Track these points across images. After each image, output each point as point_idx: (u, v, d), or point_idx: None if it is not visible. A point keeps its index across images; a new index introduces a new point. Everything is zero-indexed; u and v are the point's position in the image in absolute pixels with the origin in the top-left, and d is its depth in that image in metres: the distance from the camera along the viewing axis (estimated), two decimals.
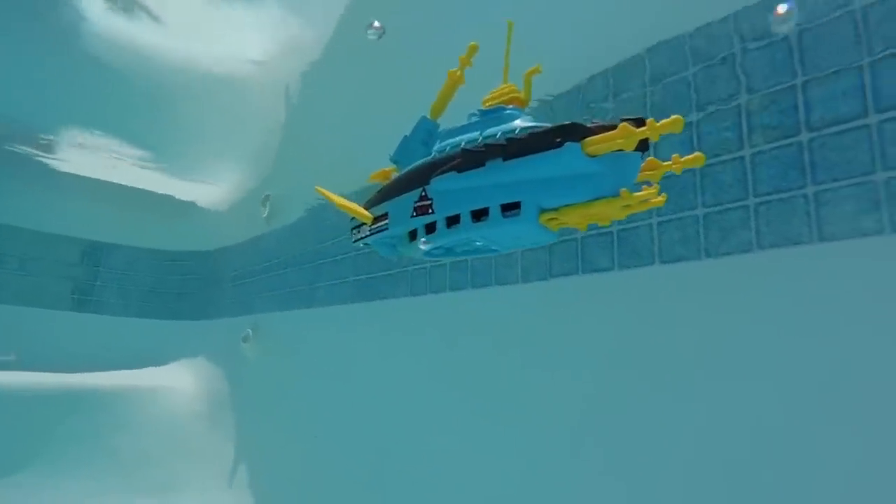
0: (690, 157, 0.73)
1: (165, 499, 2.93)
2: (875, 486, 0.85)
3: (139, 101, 3.68)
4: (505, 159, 0.77)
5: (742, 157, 1.09)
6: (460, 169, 0.82)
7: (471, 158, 0.80)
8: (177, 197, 4.20)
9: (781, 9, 1.03)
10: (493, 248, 0.94)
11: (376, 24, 2.04)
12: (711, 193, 1.13)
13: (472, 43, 1.01)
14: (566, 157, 0.71)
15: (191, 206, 4.22)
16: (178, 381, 3.53)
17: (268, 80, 3.27)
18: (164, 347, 3.85)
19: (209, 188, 4.00)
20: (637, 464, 1.17)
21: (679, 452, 1.09)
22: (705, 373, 1.08)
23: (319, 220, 2.66)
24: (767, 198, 1.04)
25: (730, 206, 1.09)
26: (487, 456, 1.54)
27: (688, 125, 1.17)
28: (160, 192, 4.15)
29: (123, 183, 4.04)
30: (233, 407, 3.09)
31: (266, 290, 3.08)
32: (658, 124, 0.66)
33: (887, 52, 0.91)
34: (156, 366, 3.72)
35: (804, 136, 1.00)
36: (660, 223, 1.21)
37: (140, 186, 4.10)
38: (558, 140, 0.72)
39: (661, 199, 0.78)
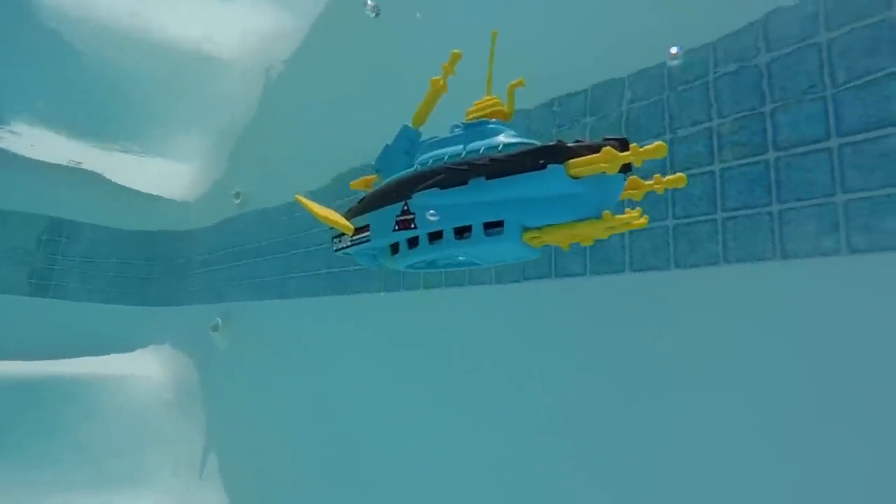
0: (672, 177, 0.74)
1: (135, 490, 2.91)
2: None
3: (101, 77, 3.52)
4: (488, 178, 0.77)
5: (712, 172, 1.11)
6: (443, 186, 0.82)
7: (454, 176, 0.81)
8: (142, 178, 4.06)
9: (673, 50, 1.09)
10: (476, 262, 0.94)
11: (370, 1, 2.02)
12: (682, 206, 1.15)
13: (454, 51, 1.00)
14: (549, 179, 0.72)
15: (156, 188, 4.09)
16: (145, 369, 3.46)
17: (244, 63, 3.17)
18: (129, 334, 3.77)
19: (176, 170, 3.87)
20: (604, 465, 1.21)
21: (644, 455, 1.14)
22: (671, 378, 1.13)
23: (292, 210, 2.62)
24: (734, 213, 1.07)
25: (699, 218, 1.12)
26: (456, 451, 1.58)
27: (660, 139, 1.19)
28: (124, 172, 4.01)
29: (85, 163, 3.89)
30: (202, 396, 3.06)
31: (236, 279, 3.03)
32: (641, 149, 0.68)
33: (850, 84, 0.95)
34: (121, 353, 3.63)
35: (771, 155, 1.03)
36: (631, 232, 1.24)
37: (102, 165, 3.95)
38: (542, 162, 0.72)
39: (643, 220, 0.79)
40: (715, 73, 1.13)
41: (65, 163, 3.89)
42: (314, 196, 2.42)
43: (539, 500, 1.31)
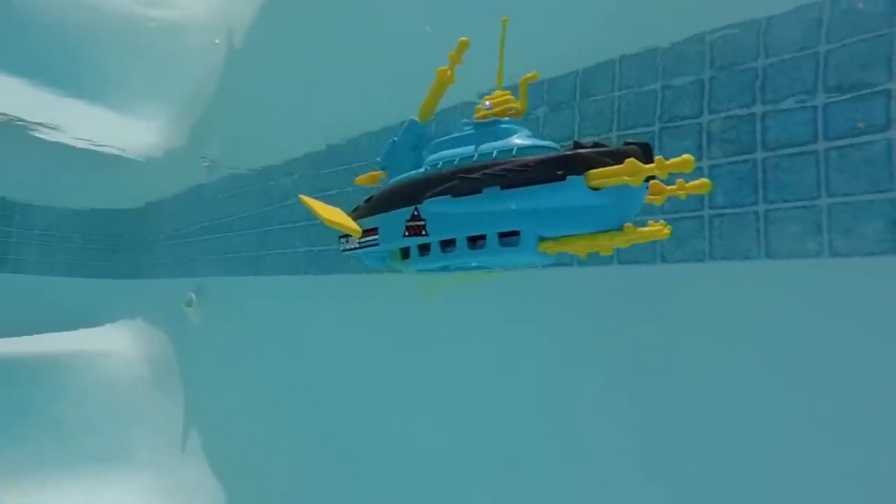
0: (696, 182, 0.71)
1: (112, 467, 2.90)
2: None
3: (48, 33, 3.29)
4: (503, 188, 0.74)
5: (700, 168, 1.13)
6: (456, 194, 0.79)
7: (467, 185, 0.77)
8: (100, 139, 3.84)
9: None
10: (488, 266, 0.92)
11: None
12: (669, 202, 1.17)
13: (462, 38, 0.96)
14: (569, 191, 0.69)
15: (117, 150, 3.87)
16: (116, 345, 3.39)
17: (208, 21, 2.99)
18: (96, 308, 3.66)
19: (137, 131, 3.67)
20: (591, 457, 1.27)
21: (629, 445, 1.19)
22: (655, 371, 1.17)
23: (265, 180, 2.54)
24: (722, 211, 1.09)
25: (686, 215, 1.14)
26: (439, 431, 1.62)
27: (650, 135, 1.20)
28: (81, 137, 3.79)
29: (37, 130, 3.65)
30: (179, 371, 3.03)
31: (208, 253, 2.96)
32: (668, 163, 0.65)
33: (841, 94, 0.96)
34: (90, 328, 3.54)
35: (759, 155, 1.05)
36: None
37: (56, 132, 3.72)
38: (560, 172, 0.69)
39: (667, 231, 0.77)
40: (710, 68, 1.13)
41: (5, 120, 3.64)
42: (285, 168, 2.37)
43: (523, 483, 1.37)
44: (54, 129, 3.65)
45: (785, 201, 1.01)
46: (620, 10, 1.26)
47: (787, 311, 1.00)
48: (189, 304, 2.90)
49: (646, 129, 1.20)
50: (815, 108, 0.99)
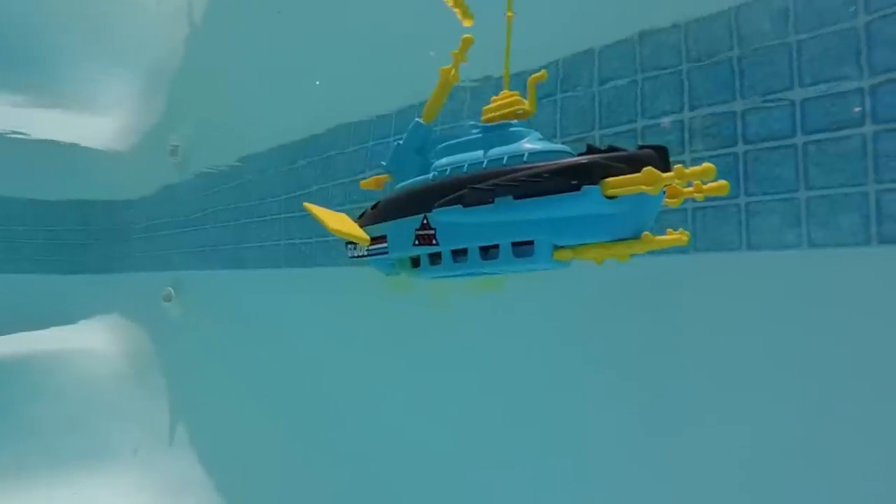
0: (714, 184, 0.69)
1: (95, 465, 2.87)
2: None
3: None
4: (516, 198, 0.72)
5: (683, 162, 1.15)
6: (466, 203, 0.77)
7: (478, 195, 0.75)
8: (59, 132, 3.68)
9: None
10: (499, 272, 0.91)
11: None
12: None
13: (465, 36, 0.93)
14: (584, 201, 0.67)
15: (77, 142, 3.72)
16: (93, 341, 3.33)
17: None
18: (69, 305, 3.57)
19: (98, 122, 3.53)
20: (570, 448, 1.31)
21: (615, 433, 1.24)
22: (639, 358, 1.21)
23: (240, 174, 2.49)
24: (703, 203, 1.12)
25: (670, 208, 1.16)
26: (425, 425, 1.65)
27: (633, 132, 1.21)
28: (37, 127, 3.63)
29: None
30: (160, 366, 2.99)
31: (185, 246, 2.90)
32: (688, 171, 0.62)
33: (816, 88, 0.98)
34: (64, 325, 3.46)
35: (740, 148, 1.08)
36: None
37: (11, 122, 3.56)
38: (575, 182, 0.67)
39: (685, 238, 0.74)
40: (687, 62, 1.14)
41: None
42: (257, 161, 2.32)
43: (512, 475, 1.41)
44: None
45: (765, 194, 1.04)
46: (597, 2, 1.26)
47: (768, 300, 1.04)
48: (167, 298, 2.85)
49: (629, 127, 1.21)
50: (792, 103, 1.01)
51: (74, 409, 3.05)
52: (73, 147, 3.61)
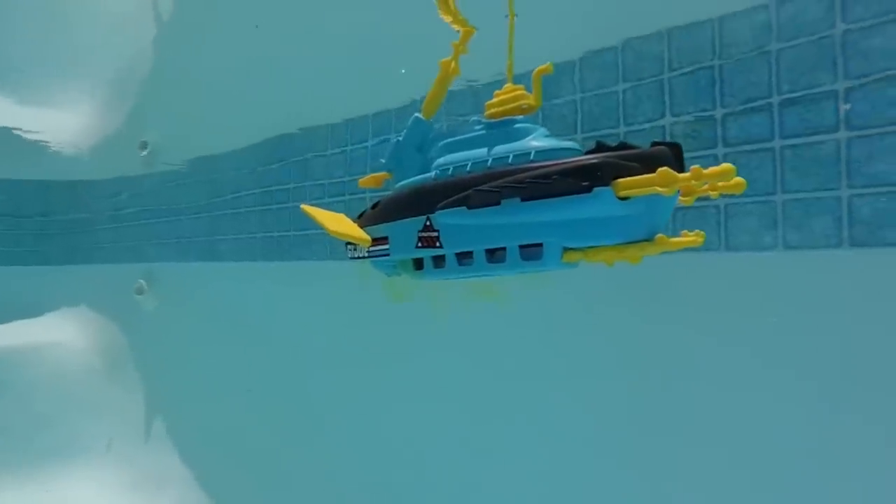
0: (731, 182, 0.65)
1: (69, 462, 2.81)
2: None
3: None
4: (523, 200, 0.69)
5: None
6: (471, 205, 0.73)
7: (483, 197, 0.72)
8: (20, 127, 3.50)
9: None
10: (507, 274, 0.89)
11: None
12: None
13: (466, 27, 0.91)
14: (595, 203, 0.64)
15: (40, 137, 3.55)
16: (61, 335, 3.23)
17: None
18: (33, 298, 3.44)
19: (61, 118, 3.38)
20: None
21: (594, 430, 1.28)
22: (618, 357, 1.24)
23: (213, 169, 2.43)
24: (683, 205, 1.14)
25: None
26: (409, 419, 1.66)
27: (616, 136, 1.22)
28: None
29: None
30: (134, 360, 2.93)
31: (157, 237, 2.82)
32: (705, 172, 0.59)
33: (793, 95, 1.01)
34: (29, 319, 3.34)
35: (720, 151, 1.10)
36: None
37: None
38: (586, 184, 0.64)
39: (700, 239, 0.73)
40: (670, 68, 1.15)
41: None
42: (235, 159, 2.26)
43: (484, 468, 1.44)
44: None
45: (743, 196, 1.07)
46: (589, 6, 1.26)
47: (744, 300, 1.08)
48: (140, 291, 2.78)
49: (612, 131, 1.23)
50: (771, 107, 1.04)
51: (44, 405, 2.97)
52: (35, 138, 3.44)
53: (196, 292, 2.59)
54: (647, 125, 1.18)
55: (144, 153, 2.83)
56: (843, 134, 0.97)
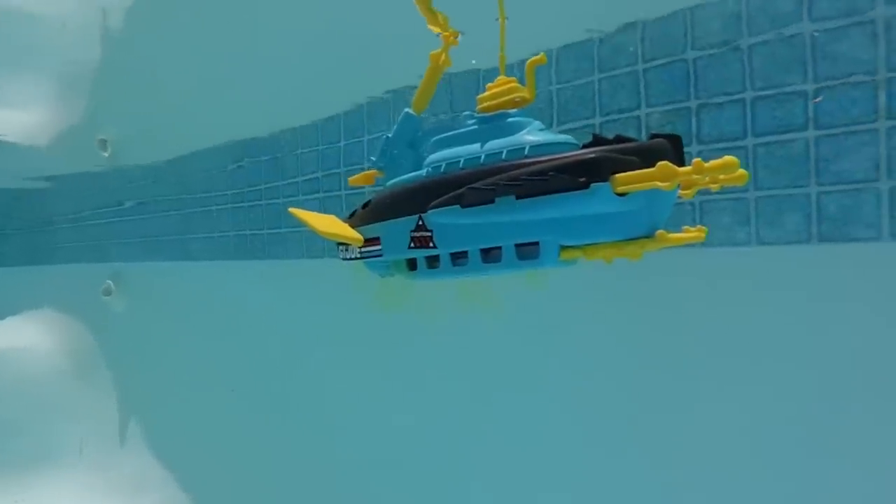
0: (734, 175, 0.62)
1: (41, 468, 2.74)
2: None
3: None
4: (518, 198, 0.66)
5: None
6: (465, 204, 0.71)
7: (477, 196, 0.69)
8: None
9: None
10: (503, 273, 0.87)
11: None
12: None
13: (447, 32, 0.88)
14: (593, 200, 0.62)
15: None
16: (26, 338, 3.12)
17: None
18: None
19: (15, 115, 3.22)
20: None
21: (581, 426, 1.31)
22: (603, 352, 1.27)
23: (181, 168, 2.35)
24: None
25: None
26: (392, 417, 1.67)
27: (591, 127, 1.23)
28: None
29: None
30: (105, 362, 2.85)
31: (123, 237, 2.73)
32: (707, 165, 0.57)
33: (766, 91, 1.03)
34: None
35: (694, 148, 1.12)
36: None
37: None
38: (583, 180, 0.61)
39: (702, 235, 0.72)
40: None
41: None
42: (199, 159, 2.19)
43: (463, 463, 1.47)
44: None
45: (717, 193, 1.10)
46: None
47: (720, 295, 1.11)
48: (107, 292, 2.70)
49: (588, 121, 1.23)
50: (743, 104, 1.06)
51: (12, 410, 2.88)
52: None
53: (168, 292, 2.53)
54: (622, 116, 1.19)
55: (106, 154, 2.72)
56: (812, 133, 1.00)
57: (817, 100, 0.99)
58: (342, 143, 1.72)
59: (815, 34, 0.97)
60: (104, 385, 2.80)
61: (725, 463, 1.12)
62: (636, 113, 1.19)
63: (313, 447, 1.89)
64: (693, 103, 1.11)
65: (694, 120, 1.11)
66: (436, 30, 0.89)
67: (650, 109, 1.17)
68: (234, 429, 2.19)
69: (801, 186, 1.01)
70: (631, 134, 1.17)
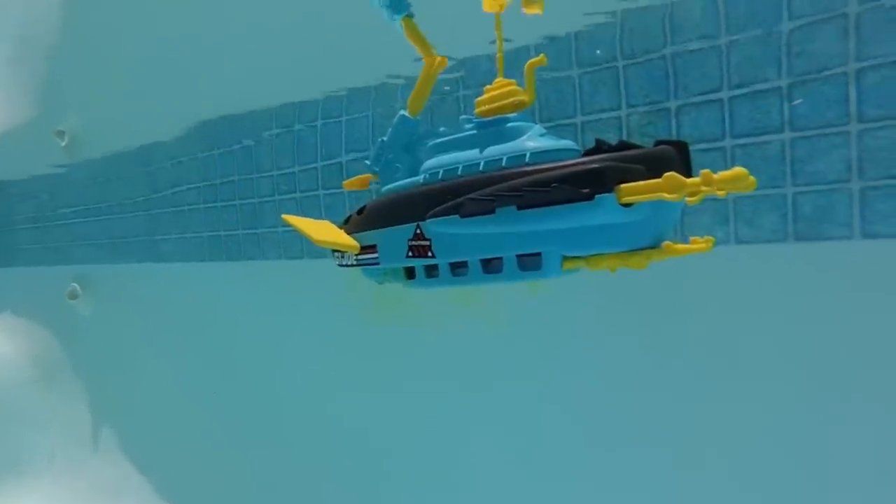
0: (744, 184, 0.59)
1: (8, 479, 2.65)
2: None
3: None
4: (520, 208, 0.64)
5: None
6: (464, 214, 0.68)
7: (477, 206, 0.67)
8: None
9: None
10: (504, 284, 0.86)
11: None
12: None
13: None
14: (597, 211, 0.60)
15: None
16: None
17: None
18: None
19: None
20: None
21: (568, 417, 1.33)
22: (588, 350, 1.29)
23: (147, 160, 2.27)
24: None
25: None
26: (378, 421, 1.67)
27: (573, 126, 1.24)
28: None
29: None
30: (72, 369, 2.76)
31: (85, 238, 2.63)
32: (716, 177, 0.55)
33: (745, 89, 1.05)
34: None
35: None
36: None
37: None
38: (587, 191, 0.59)
39: (709, 245, 0.71)
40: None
41: None
42: (167, 149, 2.12)
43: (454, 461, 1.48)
44: None
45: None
46: None
47: (699, 292, 1.14)
48: (73, 296, 2.60)
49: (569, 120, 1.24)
50: (722, 106, 1.08)
51: None
52: None
53: (138, 295, 2.45)
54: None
55: (64, 143, 2.59)
56: (787, 135, 1.02)
57: (796, 102, 1.01)
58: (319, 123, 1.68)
59: (794, 27, 1.00)
60: (73, 391, 2.71)
61: (711, 460, 1.15)
62: (617, 114, 1.20)
63: (291, 452, 1.87)
64: (672, 104, 1.13)
65: (674, 118, 1.13)
66: (427, 59, 0.87)
67: (630, 110, 1.18)
68: (208, 434, 2.15)
69: (777, 187, 1.04)
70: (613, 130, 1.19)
